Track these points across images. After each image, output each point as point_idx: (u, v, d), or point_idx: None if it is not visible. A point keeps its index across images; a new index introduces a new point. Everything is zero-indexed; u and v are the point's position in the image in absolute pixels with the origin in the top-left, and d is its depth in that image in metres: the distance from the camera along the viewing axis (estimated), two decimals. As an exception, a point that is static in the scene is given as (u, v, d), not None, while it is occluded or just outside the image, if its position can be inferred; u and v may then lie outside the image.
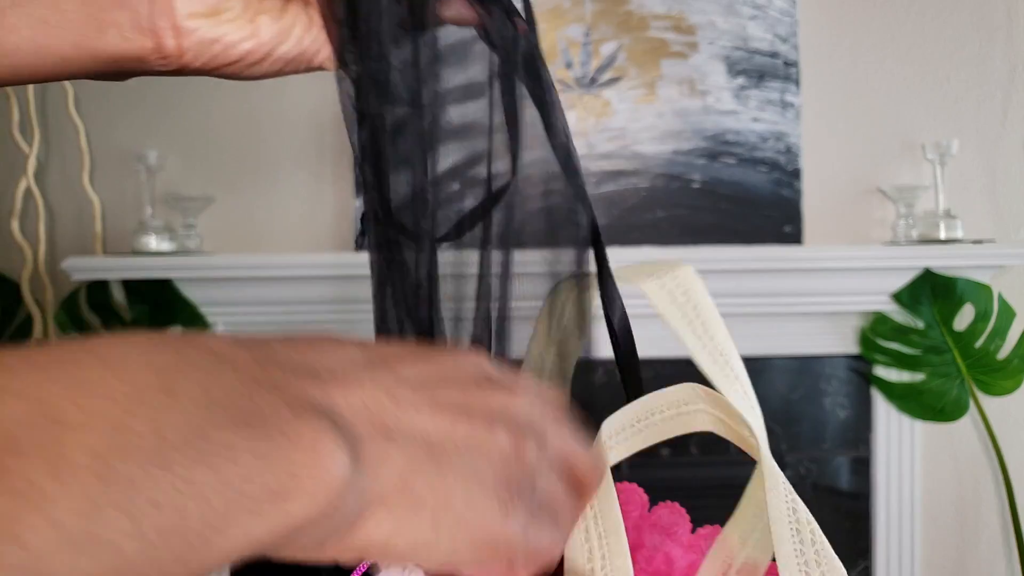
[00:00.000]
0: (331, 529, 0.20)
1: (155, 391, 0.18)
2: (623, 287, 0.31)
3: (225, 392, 0.19)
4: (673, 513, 0.36)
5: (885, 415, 1.58)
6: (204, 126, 1.55)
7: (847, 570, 0.27)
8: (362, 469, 0.20)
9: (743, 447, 0.30)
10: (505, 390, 0.25)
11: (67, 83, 1.52)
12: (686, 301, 0.29)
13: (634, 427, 0.30)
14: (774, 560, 0.33)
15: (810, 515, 0.27)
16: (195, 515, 0.17)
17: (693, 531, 0.38)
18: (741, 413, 0.27)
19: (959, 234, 1.50)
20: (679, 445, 1.58)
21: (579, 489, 0.27)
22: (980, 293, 1.51)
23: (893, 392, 1.56)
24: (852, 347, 1.57)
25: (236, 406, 0.19)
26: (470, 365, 0.26)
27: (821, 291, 1.51)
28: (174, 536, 0.16)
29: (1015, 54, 1.61)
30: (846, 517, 1.60)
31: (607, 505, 0.28)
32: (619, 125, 1.56)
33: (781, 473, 0.27)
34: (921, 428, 1.59)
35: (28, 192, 1.50)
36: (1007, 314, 1.52)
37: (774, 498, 0.26)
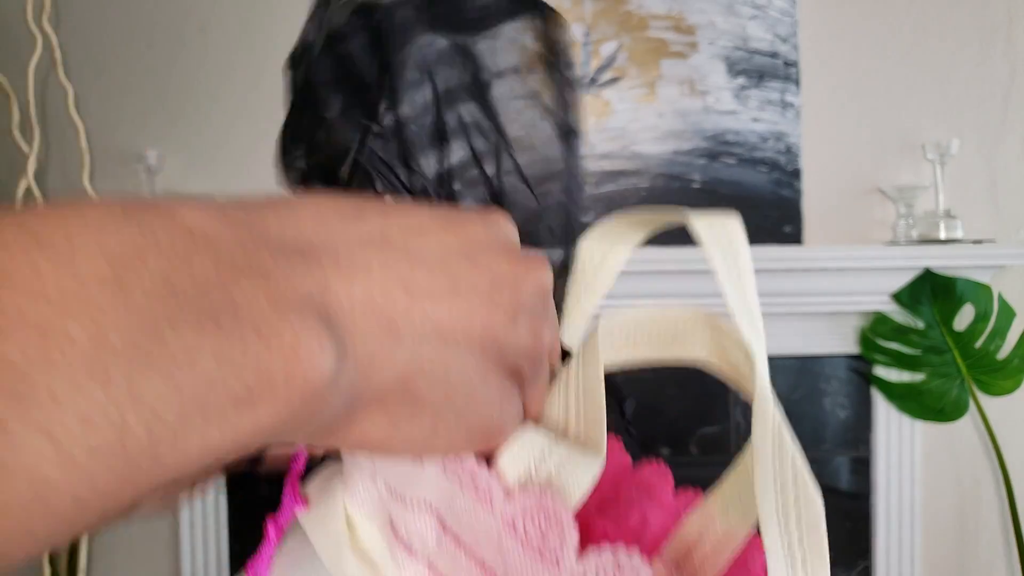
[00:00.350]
0: (312, 429, 0.18)
1: (102, 285, 0.15)
2: (669, 220, 0.30)
3: (194, 283, 0.16)
4: (657, 473, 0.35)
5: (885, 415, 1.58)
6: (204, 126, 1.55)
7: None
8: (354, 369, 0.18)
9: (739, 386, 0.29)
10: (529, 267, 0.23)
11: (67, 82, 1.52)
12: (728, 245, 0.28)
13: (629, 337, 0.29)
14: (754, 532, 0.33)
15: (798, 449, 0.26)
16: (138, 431, 0.14)
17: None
18: (741, 332, 0.25)
19: (959, 234, 1.50)
20: (678, 444, 1.58)
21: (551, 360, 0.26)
22: (980, 293, 1.51)
23: (893, 392, 1.56)
24: (852, 347, 1.57)
25: (205, 300, 0.16)
26: (498, 233, 0.23)
27: (821, 291, 1.51)
28: (111, 456, 0.14)
29: (1015, 54, 1.61)
30: (846, 517, 1.60)
31: (591, 367, 0.27)
32: (619, 125, 1.56)
33: (774, 403, 0.26)
34: (921, 428, 1.59)
35: (28, 192, 1.50)
36: (1007, 314, 1.52)
37: (760, 426, 0.25)
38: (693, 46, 1.56)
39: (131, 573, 1.57)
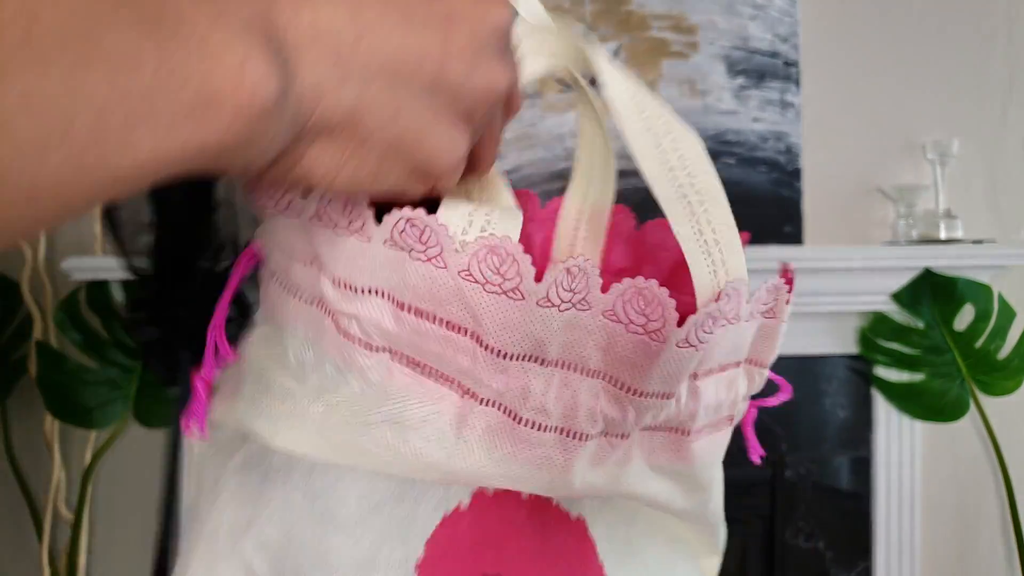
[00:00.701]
0: (256, 154, 0.18)
1: None
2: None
3: None
4: (522, 196, 0.35)
5: (885, 415, 1.58)
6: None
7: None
8: (299, 97, 0.18)
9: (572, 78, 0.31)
10: (490, 3, 0.22)
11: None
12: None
13: None
14: (616, 202, 0.35)
15: (660, 111, 0.27)
16: (82, 124, 0.14)
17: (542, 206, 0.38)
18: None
19: (959, 234, 1.50)
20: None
21: (506, 109, 0.25)
22: (980, 293, 1.51)
23: (893, 392, 1.56)
24: (852, 347, 1.57)
25: (146, 6, 0.15)
26: None
27: (821, 291, 1.51)
28: (61, 143, 0.14)
29: (1015, 54, 1.61)
30: (846, 517, 1.60)
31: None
32: (619, 125, 1.56)
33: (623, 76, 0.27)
34: (921, 428, 1.59)
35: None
36: (1007, 314, 1.51)
37: (615, 91, 0.26)
38: (693, 46, 1.56)
39: (131, 573, 1.57)
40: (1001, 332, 1.52)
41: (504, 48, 0.23)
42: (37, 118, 0.14)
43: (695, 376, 0.27)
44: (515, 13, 0.23)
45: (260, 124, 0.17)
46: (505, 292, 0.23)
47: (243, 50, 0.16)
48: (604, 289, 0.24)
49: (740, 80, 1.56)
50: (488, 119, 0.23)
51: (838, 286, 1.51)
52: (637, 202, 0.38)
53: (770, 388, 0.27)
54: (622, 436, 0.26)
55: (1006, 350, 1.53)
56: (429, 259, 0.23)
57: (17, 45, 0.13)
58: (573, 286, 0.24)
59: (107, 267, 1.42)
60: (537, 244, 0.38)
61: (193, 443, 0.30)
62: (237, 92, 0.16)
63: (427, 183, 0.22)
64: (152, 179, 0.16)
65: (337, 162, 0.20)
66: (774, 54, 1.57)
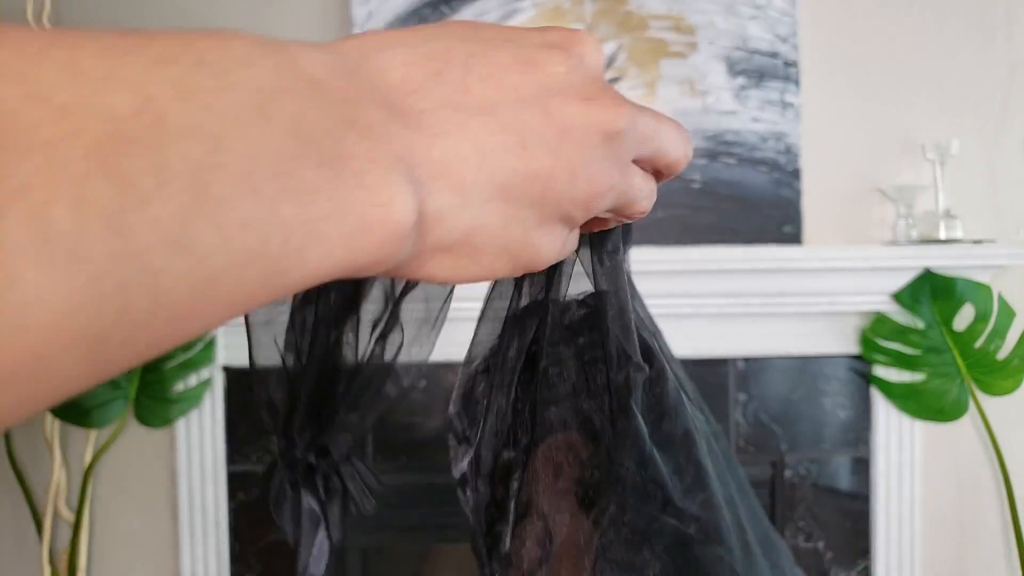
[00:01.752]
0: (390, 268, 0.21)
1: (253, 113, 0.17)
2: None
3: (314, 128, 0.18)
4: None
5: (885, 415, 1.58)
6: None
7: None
8: (425, 226, 0.21)
9: None
10: (602, 112, 0.24)
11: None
12: None
13: None
14: None
15: None
16: (277, 243, 0.17)
17: None
18: None
19: (959, 234, 1.50)
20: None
21: (657, 176, 0.28)
22: (980, 293, 1.51)
23: (893, 392, 1.56)
24: (852, 347, 1.57)
25: (322, 146, 0.18)
26: (578, 65, 0.24)
27: (821, 291, 1.51)
28: (258, 259, 0.17)
29: (1015, 54, 1.61)
30: (846, 517, 1.60)
31: None
32: (619, 125, 1.56)
33: None
34: (921, 428, 1.59)
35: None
36: (1007, 314, 1.52)
37: None
38: (693, 46, 1.56)
39: (131, 573, 1.57)
40: (1001, 332, 1.52)
41: (613, 150, 0.25)
42: (248, 234, 0.17)
43: None
44: (629, 111, 0.25)
45: (398, 247, 0.20)
46: None
47: (390, 188, 0.20)
48: None
49: (740, 80, 1.56)
50: (588, 216, 0.26)
51: (838, 286, 1.51)
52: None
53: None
54: None
55: (1005, 350, 1.53)
56: None
57: (243, 177, 0.16)
58: None
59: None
60: None
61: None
62: (385, 222, 0.19)
63: (532, 270, 0.26)
64: (307, 287, 0.19)
65: (454, 269, 0.23)
66: (774, 54, 1.57)
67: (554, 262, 0.26)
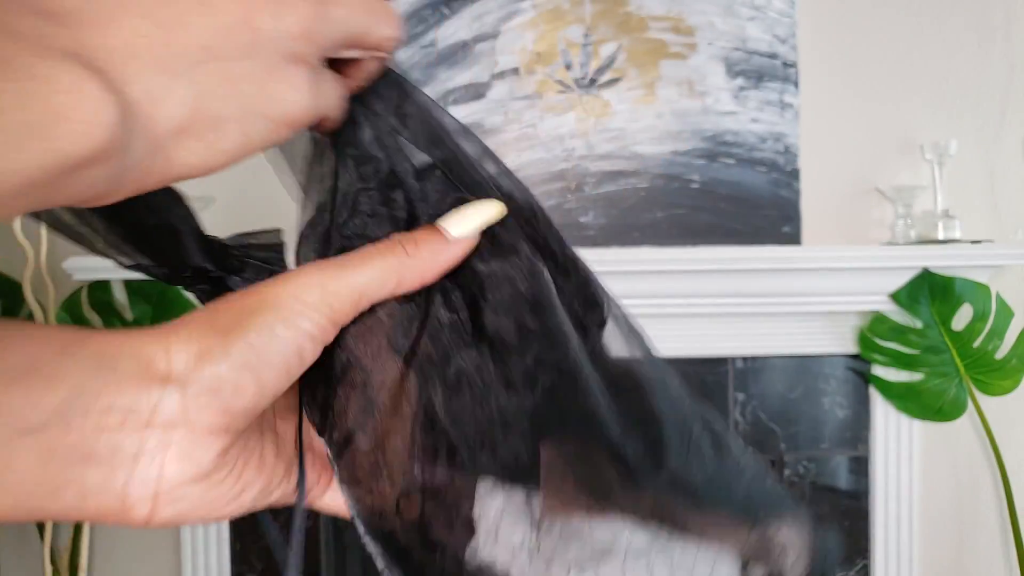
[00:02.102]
0: (127, 167, 0.20)
1: None
2: None
3: None
4: None
5: (883, 415, 1.59)
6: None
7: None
8: (137, 108, 0.20)
9: None
10: None
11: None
12: None
13: None
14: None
15: None
16: None
17: None
18: None
19: (957, 234, 1.51)
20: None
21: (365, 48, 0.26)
22: (978, 293, 1.51)
23: (891, 392, 1.57)
24: (851, 347, 1.57)
25: None
26: None
27: (820, 291, 1.52)
28: None
29: (1013, 54, 1.61)
30: (844, 516, 1.61)
31: None
32: (618, 126, 1.56)
33: None
34: (919, 427, 1.59)
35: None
36: (1005, 314, 1.52)
37: None
38: (692, 47, 1.57)
39: (132, 572, 1.58)
40: (999, 332, 1.52)
41: None
42: None
43: None
44: None
45: (115, 133, 0.18)
46: None
47: (69, 75, 0.18)
48: None
49: (739, 81, 1.57)
50: (325, 40, 0.24)
51: (836, 286, 1.52)
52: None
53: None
54: None
55: (1004, 350, 1.53)
56: None
57: None
58: None
59: (108, 267, 1.42)
60: None
61: None
62: (78, 108, 0.18)
63: (297, 125, 0.24)
64: (32, 196, 0.18)
65: (206, 148, 0.22)
66: (773, 55, 1.57)
67: (316, 110, 0.24)
